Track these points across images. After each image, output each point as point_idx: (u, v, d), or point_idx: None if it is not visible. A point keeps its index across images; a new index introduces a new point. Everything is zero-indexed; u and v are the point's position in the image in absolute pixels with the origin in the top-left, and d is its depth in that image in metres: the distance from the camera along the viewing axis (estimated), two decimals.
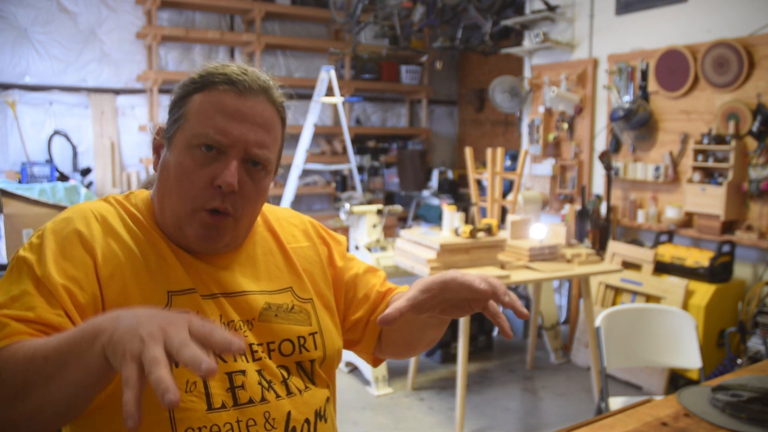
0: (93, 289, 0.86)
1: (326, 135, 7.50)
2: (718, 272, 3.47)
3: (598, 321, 2.34)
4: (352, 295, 1.12)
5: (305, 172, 6.73)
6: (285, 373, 0.95)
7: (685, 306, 3.42)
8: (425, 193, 7.31)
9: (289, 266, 1.05)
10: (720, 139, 3.59)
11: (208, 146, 0.90)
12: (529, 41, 4.93)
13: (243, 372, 0.89)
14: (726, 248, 3.53)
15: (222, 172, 0.90)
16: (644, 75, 4.10)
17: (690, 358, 2.32)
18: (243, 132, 0.91)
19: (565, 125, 4.67)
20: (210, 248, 0.95)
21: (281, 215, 1.12)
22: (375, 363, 1.17)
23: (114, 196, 0.99)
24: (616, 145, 4.31)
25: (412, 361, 3.58)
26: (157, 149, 0.98)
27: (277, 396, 0.92)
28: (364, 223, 3.69)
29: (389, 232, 6.11)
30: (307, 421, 0.94)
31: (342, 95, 6.24)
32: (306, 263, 1.07)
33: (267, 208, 1.11)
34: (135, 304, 0.85)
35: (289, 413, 0.92)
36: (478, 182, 4.45)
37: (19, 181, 5.29)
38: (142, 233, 0.94)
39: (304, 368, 0.98)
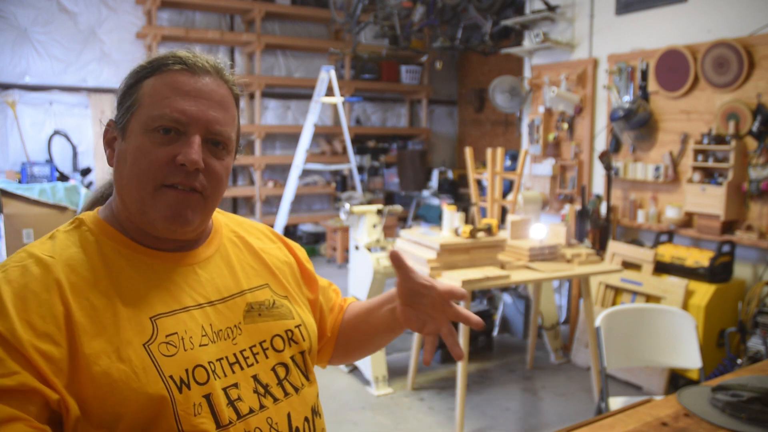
0: (66, 342, 0.78)
1: (326, 135, 7.49)
2: (718, 272, 3.47)
3: (598, 321, 2.34)
4: (320, 307, 1.16)
5: (305, 172, 6.73)
6: (283, 372, 0.94)
7: (685, 306, 3.42)
8: (425, 193, 7.31)
9: (262, 264, 1.04)
10: (720, 139, 3.59)
11: (165, 129, 0.86)
12: (529, 41, 4.93)
13: (236, 385, 0.88)
14: (726, 248, 3.53)
15: (183, 150, 0.86)
16: (644, 75, 4.10)
17: (690, 358, 2.32)
18: (201, 109, 0.88)
19: (565, 125, 4.67)
20: (180, 230, 0.90)
21: (240, 220, 1.11)
22: (325, 365, 1.22)
23: (62, 229, 0.91)
24: (616, 145, 4.31)
25: (412, 361, 3.58)
26: (110, 143, 0.93)
27: (275, 400, 0.91)
28: (364, 223, 3.69)
29: (389, 232, 6.11)
30: (306, 419, 0.95)
31: (342, 95, 6.24)
32: (277, 262, 1.07)
33: (224, 213, 1.10)
34: (115, 345, 0.80)
35: (289, 415, 0.92)
36: (478, 182, 4.45)
37: (19, 181, 5.28)
38: (105, 261, 0.87)
39: (297, 362, 0.98)
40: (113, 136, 0.92)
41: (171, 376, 0.81)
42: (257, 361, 0.92)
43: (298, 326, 1.00)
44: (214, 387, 0.84)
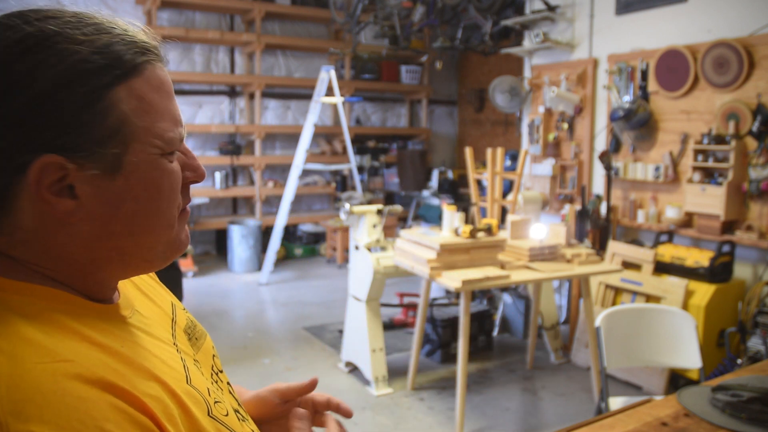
0: None
1: (326, 135, 7.50)
2: (718, 272, 3.47)
3: (598, 321, 2.34)
4: None
5: (305, 172, 6.73)
6: (233, 392, 0.83)
7: (685, 306, 3.42)
8: (425, 193, 7.31)
9: (149, 283, 0.83)
10: (720, 139, 3.59)
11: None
12: (529, 41, 4.93)
13: (235, 410, 0.78)
14: (726, 248, 3.53)
15: (192, 164, 0.70)
16: (644, 75, 4.10)
17: (690, 358, 2.32)
18: (178, 110, 0.69)
19: (565, 125, 4.67)
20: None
21: None
22: None
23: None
24: (616, 145, 4.31)
25: (412, 361, 3.58)
26: (62, 191, 0.60)
27: (243, 420, 0.79)
28: (364, 223, 3.69)
29: (389, 232, 6.11)
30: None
31: (342, 95, 6.24)
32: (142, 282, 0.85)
33: None
34: None
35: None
36: (478, 182, 4.45)
37: None
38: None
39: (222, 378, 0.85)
40: (69, 184, 0.60)
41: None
42: (221, 389, 0.78)
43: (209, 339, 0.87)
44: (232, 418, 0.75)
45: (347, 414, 0.94)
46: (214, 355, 0.84)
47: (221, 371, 0.83)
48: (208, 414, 0.66)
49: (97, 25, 0.63)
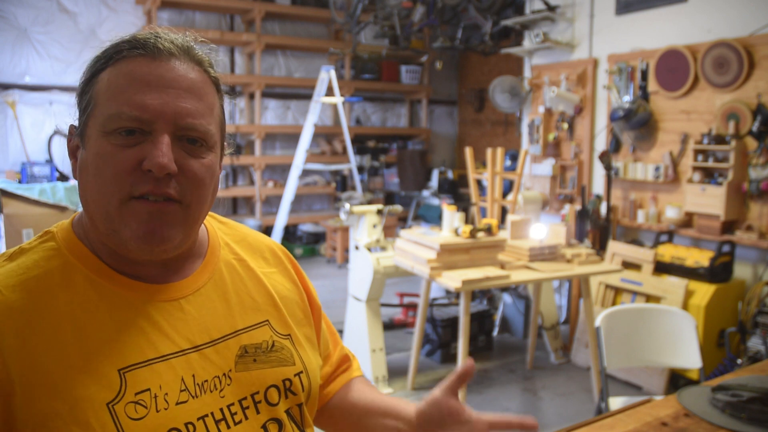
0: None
1: (326, 135, 7.50)
2: (718, 272, 3.47)
3: (598, 321, 2.34)
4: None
5: (305, 172, 6.73)
6: (275, 430, 0.80)
7: (685, 306, 3.42)
8: (425, 193, 7.31)
9: (264, 295, 0.87)
10: (720, 139, 3.59)
11: (128, 130, 0.71)
12: (529, 41, 4.93)
13: None
14: (726, 248, 3.53)
15: (150, 153, 0.71)
16: (644, 75, 4.10)
17: (690, 358, 2.32)
18: (166, 100, 0.72)
19: (565, 125, 4.67)
20: (158, 250, 0.74)
21: (244, 234, 0.94)
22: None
23: (28, 246, 0.76)
24: (616, 145, 4.31)
25: (412, 361, 3.58)
26: (73, 152, 0.77)
27: None
28: (364, 223, 3.69)
29: (389, 232, 6.11)
30: None
31: (342, 95, 6.24)
32: (283, 290, 0.91)
33: (226, 223, 0.94)
34: (69, 403, 0.66)
35: None
36: (478, 182, 4.45)
37: (19, 181, 5.29)
38: (71, 292, 0.72)
39: (293, 416, 0.83)
40: (76, 144, 0.77)
41: None
42: (246, 417, 0.77)
43: (298, 374, 0.85)
44: None
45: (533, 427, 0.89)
46: (273, 386, 0.81)
47: (274, 404, 0.80)
48: (107, 403, 0.68)
49: (129, 35, 0.77)
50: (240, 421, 0.76)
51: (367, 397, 1.00)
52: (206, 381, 0.75)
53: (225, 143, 0.83)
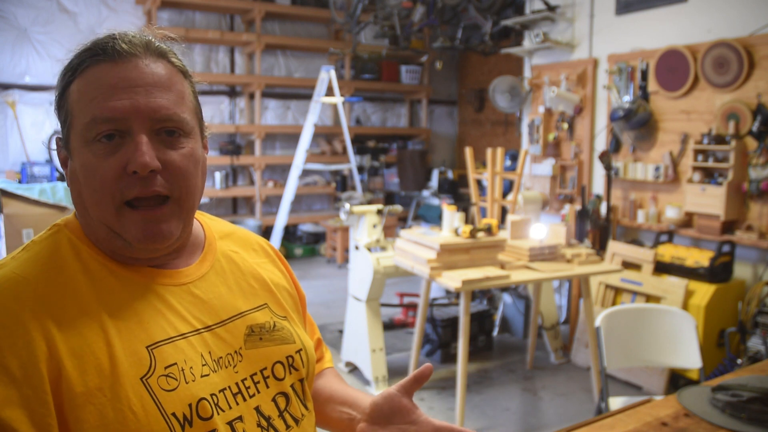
0: (50, 385, 0.69)
1: (326, 135, 7.50)
2: (718, 272, 3.47)
3: (598, 321, 2.34)
4: None
5: (305, 172, 6.73)
6: (283, 403, 0.87)
7: (685, 306, 3.42)
8: (425, 193, 7.31)
9: (260, 281, 0.94)
10: (720, 139, 3.59)
11: (107, 135, 0.75)
12: (529, 41, 4.93)
13: (240, 418, 0.80)
14: (726, 248, 3.53)
15: (132, 155, 0.74)
16: (644, 75, 4.10)
17: (690, 358, 2.32)
18: (136, 99, 0.75)
19: (565, 125, 4.67)
20: (162, 247, 0.80)
21: (231, 230, 1.00)
22: None
23: (39, 239, 0.80)
24: (616, 145, 4.31)
25: (412, 361, 3.58)
26: (64, 163, 0.82)
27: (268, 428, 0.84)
28: (364, 223, 3.69)
29: (389, 232, 6.11)
30: None
31: (342, 95, 6.24)
32: (275, 278, 0.98)
33: (216, 220, 1.00)
34: (109, 380, 0.71)
35: None
36: (478, 182, 4.45)
37: (19, 181, 5.29)
38: (92, 278, 0.77)
39: (297, 391, 0.90)
40: (65, 155, 0.81)
41: (174, 414, 0.73)
42: (258, 391, 0.84)
43: (299, 351, 0.92)
44: (217, 423, 0.76)
45: None
46: (279, 362, 0.88)
47: (281, 379, 0.88)
48: (141, 378, 0.73)
49: (89, 43, 0.79)
50: (253, 395, 0.83)
51: (332, 386, 1.06)
52: (221, 357, 0.81)
53: (204, 126, 0.88)
